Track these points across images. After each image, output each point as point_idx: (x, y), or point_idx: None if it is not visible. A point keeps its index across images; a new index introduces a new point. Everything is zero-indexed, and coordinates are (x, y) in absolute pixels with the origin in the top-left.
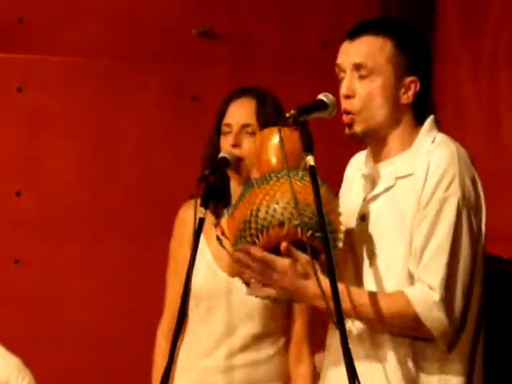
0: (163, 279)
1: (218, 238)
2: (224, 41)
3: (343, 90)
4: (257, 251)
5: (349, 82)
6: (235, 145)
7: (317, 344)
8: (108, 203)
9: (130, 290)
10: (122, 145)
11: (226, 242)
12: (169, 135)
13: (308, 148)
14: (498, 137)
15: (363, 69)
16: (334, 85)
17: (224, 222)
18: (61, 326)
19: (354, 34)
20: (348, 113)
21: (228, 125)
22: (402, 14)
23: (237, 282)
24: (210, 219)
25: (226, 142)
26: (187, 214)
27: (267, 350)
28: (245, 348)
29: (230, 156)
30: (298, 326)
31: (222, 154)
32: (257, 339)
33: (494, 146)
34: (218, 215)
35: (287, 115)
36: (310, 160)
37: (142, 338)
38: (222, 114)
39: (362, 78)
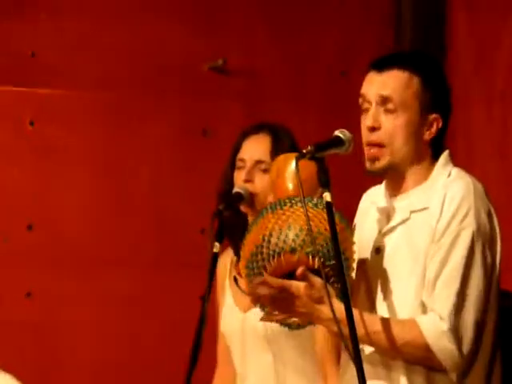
0: (173, 312)
1: (235, 278)
2: (236, 76)
3: (369, 121)
4: (271, 279)
5: (375, 115)
6: (247, 180)
7: None
8: (119, 236)
9: (140, 323)
10: (134, 178)
11: (242, 282)
12: (179, 169)
13: (325, 184)
14: (508, 170)
15: (390, 103)
16: (346, 120)
17: None
18: (71, 359)
19: (381, 66)
20: (373, 145)
21: (242, 160)
22: (414, 44)
23: (252, 315)
24: (234, 260)
25: (239, 177)
26: (221, 261)
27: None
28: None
29: (244, 191)
30: (321, 349)
31: (236, 190)
32: (283, 371)
33: (504, 179)
34: (239, 255)
35: (304, 151)
36: (327, 196)
37: (151, 370)
38: (237, 149)
39: (387, 111)
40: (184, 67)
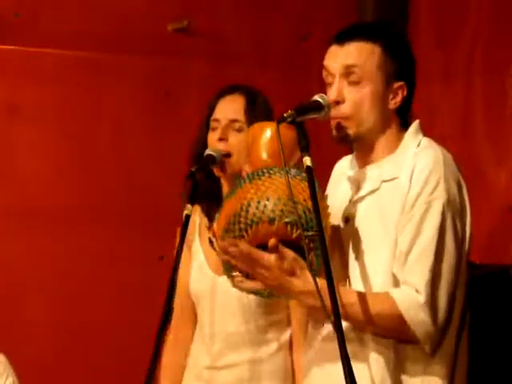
0: (133, 272)
1: (210, 241)
2: (199, 36)
3: (332, 95)
4: (244, 245)
5: (338, 88)
6: (221, 139)
7: None
8: (83, 196)
9: (102, 282)
10: (98, 137)
11: (217, 244)
12: (142, 129)
13: (305, 148)
14: (469, 147)
15: (353, 74)
16: (307, 83)
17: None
18: (34, 316)
19: (342, 38)
20: (338, 118)
21: (216, 120)
22: (376, 16)
23: (224, 280)
24: (204, 221)
25: (213, 137)
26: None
27: (266, 347)
28: (237, 346)
29: (216, 153)
30: (297, 316)
31: (208, 152)
32: (251, 336)
33: (466, 157)
34: (211, 217)
35: (285, 115)
36: (307, 160)
37: (106, 328)
38: (210, 110)
39: (351, 84)
40: (148, 28)
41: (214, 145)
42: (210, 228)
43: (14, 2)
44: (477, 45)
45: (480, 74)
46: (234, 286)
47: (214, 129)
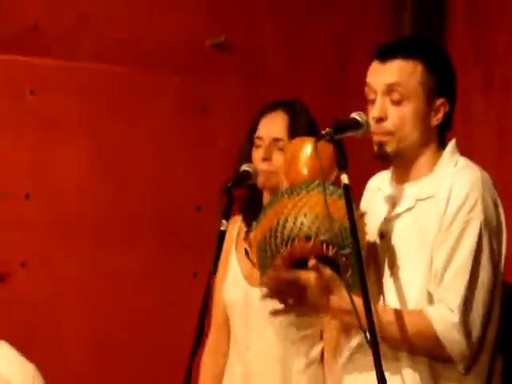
0: (165, 287)
1: (246, 252)
2: (236, 53)
3: (375, 112)
4: (281, 274)
5: (381, 105)
6: (265, 158)
7: None
8: (115, 210)
9: (134, 297)
10: (132, 153)
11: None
12: (179, 146)
13: (343, 166)
14: (507, 161)
15: (395, 92)
16: (345, 99)
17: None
18: (64, 328)
19: (384, 56)
20: (380, 134)
21: (259, 138)
22: (413, 32)
23: (258, 291)
24: (243, 232)
25: (256, 155)
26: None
27: (295, 362)
28: (268, 359)
29: (251, 169)
30: (329, 331)
31: (243, 168)
32: (282, 349)
33: (503, 170)
34: (249, 228)
35: (323, 133)
36: (345, 179)
37: (140, 343)
38: (254, 127)
39: (394, 102)
40: (186, 43)
41: (258, 163)
42: (246, 239)
43: (54, 14)
44: None
45: None
46: (273, 313)
47: (257, 146)
